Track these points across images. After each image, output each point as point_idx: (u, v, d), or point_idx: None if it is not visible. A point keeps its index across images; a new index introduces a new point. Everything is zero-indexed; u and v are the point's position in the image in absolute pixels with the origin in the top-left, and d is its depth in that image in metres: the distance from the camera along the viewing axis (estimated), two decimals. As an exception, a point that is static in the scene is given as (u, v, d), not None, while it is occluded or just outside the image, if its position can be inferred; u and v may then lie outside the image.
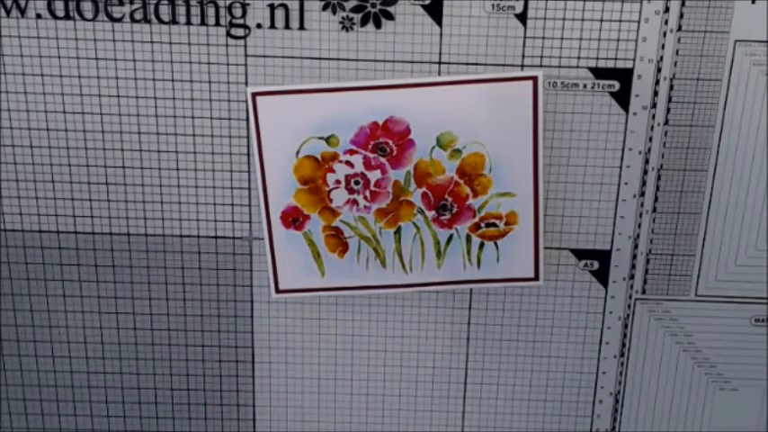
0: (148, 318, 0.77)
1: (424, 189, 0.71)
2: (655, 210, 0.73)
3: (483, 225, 0.72)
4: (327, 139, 0.70)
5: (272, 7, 0.68)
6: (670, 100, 0.70)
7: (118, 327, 0.77)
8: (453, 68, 0.69)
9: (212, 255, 0.75)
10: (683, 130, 0.71)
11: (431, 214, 0.72)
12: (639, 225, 0.73)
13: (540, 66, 0.69)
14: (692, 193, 0.72)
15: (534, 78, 0.68)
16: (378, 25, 0.68)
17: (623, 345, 0.77)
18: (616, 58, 0.69)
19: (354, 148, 0.70)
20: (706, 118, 0.70)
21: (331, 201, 0.71)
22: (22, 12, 0.68)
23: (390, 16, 0.68)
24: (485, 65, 0.69)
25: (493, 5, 0.67)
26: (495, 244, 0.73)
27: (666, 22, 0.68)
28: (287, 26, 0.68)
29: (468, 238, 0.72)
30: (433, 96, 0.69)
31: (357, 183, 0.71)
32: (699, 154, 0.71)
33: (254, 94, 0.69)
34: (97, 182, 0.72)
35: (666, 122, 0.70)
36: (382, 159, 0.70)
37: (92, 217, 0.74)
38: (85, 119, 0.71)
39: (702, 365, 0.78)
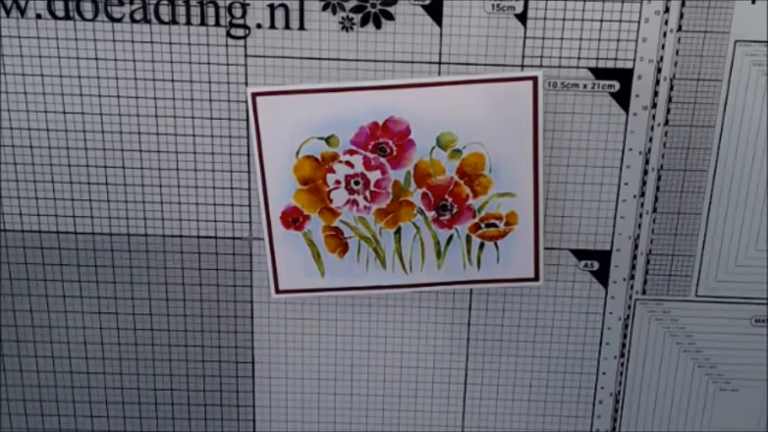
0: (148, 318, 0.77)
1: (424, 189, 0.71)
2: (655, 210, 0.73)
3: (483, 225, 0.72)
4: (327, 140, 0.70)
5: (272, 7, 0.68)
6: (670, 100, 0.70)
7: (118, 327, 0.77)
8: (453, 69, 0.69)
9: (212, 255, 0.75)
10: (683, 130, 0.71)
11: (431, 214, 0.72)
12: (639, 225, 0.73)
13: (540, 66, 0.69)
14: (692, 194, 0.72)
15: (534, 78, 0.68)
16: (378, 25, 0.68)
17: (623, 345, 0.77)
18: (616, 59, 0.69)
19: (354, 148, 0.70)
20: (706, 118, 0.70)
21: (331, 201, 0.71)
22: (22, 12, 0.68)
23: (390, 16, 0.68)
24: (485, 65, 0.69)
25: (493, 5, 0.67)
26: (495, 244, 0.73)
27: (666, 23, 0.68)
28: (287, 26, 0.68)
29: (468, 239, 0.72)
30: (434, 96, 0.69)
31: (357, 183, 0.71)
32: (699, 154, 0.71)
33: (254, 95, 0.69)
34: (97, 182, 0.72)
35: (666, 123, 0.70)
36: (382, 159, 0.70)
37: (92, 217, 0.74)
38: (85, 119, 0.71)
39: (703, 366, 0.78)
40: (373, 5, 0.67)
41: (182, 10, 0.68)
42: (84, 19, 0.68)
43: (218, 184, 0.73)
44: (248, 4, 0.68)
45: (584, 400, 0.79)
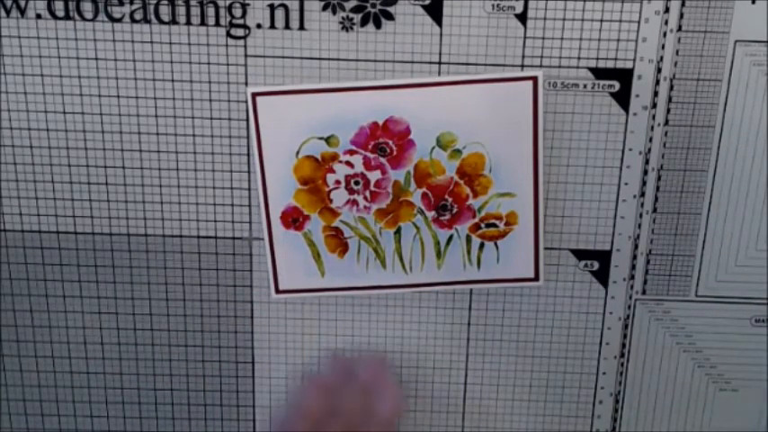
0: (148, 318, 0.77)
1: (424, 189, 0.71)
2: (655, 210, 0.73)
3: (483, 225, 0.72)
4: (327, 140, 0.70)
5: (272, 7, 0.68)
6: (670, 100, 0.70)
7: (118, 327, 0.77)
8: (453, 69, 0.69)
9: (212, 255, 0.75)
10: (683, 130, 0.71)
11: (431, 214, 0.72)
12: (639, 225, 0.73)
13: (540, 66, 0.69)
14: (692, 194, 0.72)
15: (534, 78, 0.68)
16: (378, 25, 0.68)
17: (623, 345, 0.77)
18: (616, 59, 0.69)
19: (354, 148, 0.70)
20: (706, 118, 0.70)
21: (331, 201, 0.71)
22: (22, 12, 0.68)
23: (390, 16, 0.68)
24: (485, 65, 0.69)
25: (493, 5, 0.67)
26: (496, 244, 0.73)
27: (666, 23, 0.68)
28: (287, 26, 0.68)
29: (468, 239, 0.72)
30: (434, 96, 0.69)
31: (357, 183, 0.71)
32: (699, 154, 0.71)
33: (254, 95, 0.69)
34: (97, 182, 0.72)
35: (666, 123, 0.70)
36: (382, 159, 0.70)
37: (92, 217, 0.74)
38: (85, 119, 0.71)
39: (703, 366, 0.78)
40: (373, 5, 0.67)
41: (182, 10, 0.68)
42: (84, 19, 0.68)
43: (218, 184, 0.73)
44: (248, 4, 0.68)
45: (584, 400, 0.79)
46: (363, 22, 0.68)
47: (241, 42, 0.69)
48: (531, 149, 0.70)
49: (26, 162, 0.72)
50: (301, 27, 0.68)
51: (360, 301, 0.76)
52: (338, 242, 0.73)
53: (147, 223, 0.74)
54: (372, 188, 0.71)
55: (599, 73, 0.69)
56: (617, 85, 0.70)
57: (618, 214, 0.73)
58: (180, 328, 0.77)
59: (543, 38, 0.68)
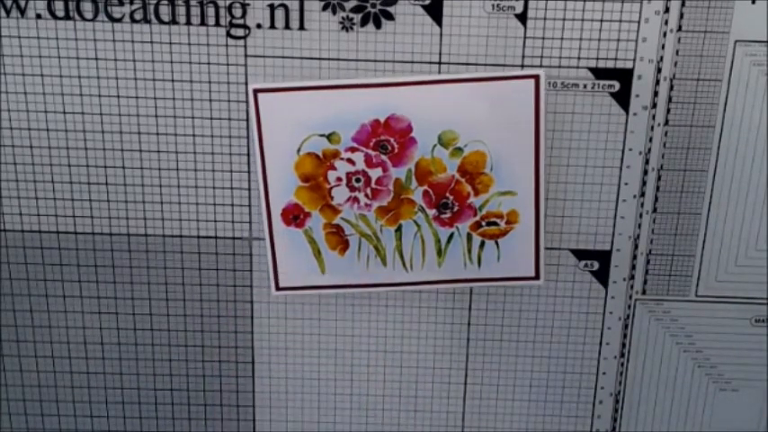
0: (148, 318, 0.76)
1: (425, 187, 0.71)
2: (655, 210, 0.73)
3: (484, 224, 0.72)
4: (329, 137, 0.70)
5: (272, 7, 0.68)
6: (670, 100, 0.70)
7: (117, 327, 0.77)
8: (453, 69, 0.69)
9: (212, 255, 0.75)
10: (683, 130, 0.71)
11: (432, 212, 0.72)
12: (639, 225, 0.73)
13: (541, 66, 0.69)
14: (692, 194, 0.73)
15: (536, 77, 0.68)
16: (378, 25, 0.68)
17: (623, 345, 0.77)
18: (616, 59, 0.69)
19: (356, 145, 0.70)
20: (706, 118, 0.70)
21: (332, 198, 0.71)
22: (22, 12, 0.68)
23: (390, 16, 0.68)
24: (485, 65, 0.69)
25: (493, 5, 0.68)
26: (496, 243, 0.73)
27: (666, 23, 0.68)
28: (287, 26, 0.68)
29: (469, 237, 0.72)
30: (435, 94, 0.69)
31: (358, 180, 0.71)
32: (699, 154, 0.71)
33: (256, 91, 0.69)
34: (97, 182, 0.72)
35: (666, 123, 0.71)
36: (384, 157, 0.70)
37: (92, 217, 0.73)
38: (85, 119, 0.71)
39: (703, 366, 0.78)
40: (373, 5, 0.67)
41: (182, 10, 0.68)
42: (84, 19, 0.68)
43: (218, 184, 0.73)
44: (248, 4, 0.68)
45: (584, 400, 0.79)
46: (363, 22, 0.68)
47: (241, 42, 0.69)
48: (532, 148, 0.70)
49: (26, 162, 0.72)
50: (301, 27, 0.68)
51: (360, 301, 0.76)
52: (339, 239, 0.73)
53: (147, 223, 0.74)
54: (373, 185, 0.71)
55: (599, 73, 0.69)
56: (617, 85, 0.70)
57: (618, 214, 0.73)
58: (180, 328, 0.77)
59: (543, 38, 0.68)
